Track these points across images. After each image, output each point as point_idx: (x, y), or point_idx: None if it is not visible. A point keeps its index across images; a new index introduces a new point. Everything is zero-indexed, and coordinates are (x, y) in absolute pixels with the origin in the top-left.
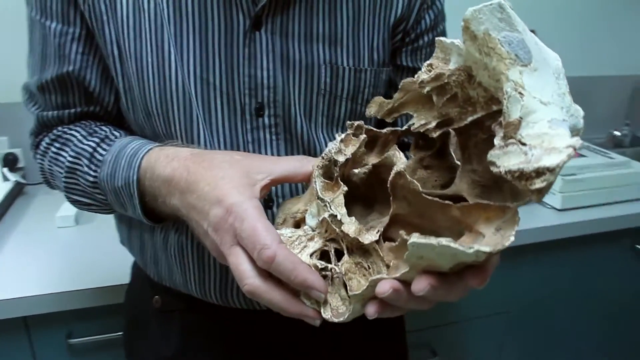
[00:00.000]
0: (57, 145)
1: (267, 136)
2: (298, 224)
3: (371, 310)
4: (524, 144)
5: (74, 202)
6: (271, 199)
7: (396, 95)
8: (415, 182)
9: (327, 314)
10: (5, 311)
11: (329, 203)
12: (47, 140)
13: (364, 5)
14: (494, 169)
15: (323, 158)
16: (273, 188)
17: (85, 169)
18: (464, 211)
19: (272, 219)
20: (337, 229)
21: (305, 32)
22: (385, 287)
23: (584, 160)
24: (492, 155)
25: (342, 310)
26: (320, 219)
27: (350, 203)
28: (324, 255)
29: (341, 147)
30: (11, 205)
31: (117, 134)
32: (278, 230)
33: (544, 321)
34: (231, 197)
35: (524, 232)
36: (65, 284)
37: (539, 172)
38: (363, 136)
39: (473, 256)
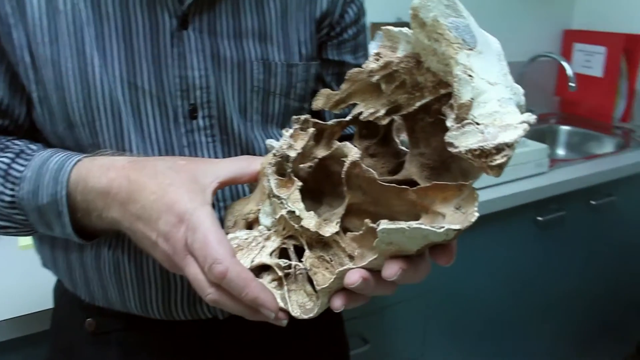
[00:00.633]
0: None
1: (203, 139)
2: (250, 225)
3: (338, 303)
4: (478, 124)
5: None
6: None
7: (343, 86)
8: (371, 170)
9: (295, 312)
10: None
11: (285, 200)
12: None
13: (290, 0)
14: (452, 150)
15: (275, 155)
16: None
17: (0, 187)
18: (420, 194)
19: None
20: (296, 225)
21: (234, 29)
22: (354, 278)
23: None
24: (449, 136)
25: (309, 306)
26: (278, 216)
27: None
28: (282, 253)
29: (291, 142)
30: None
31: (34, 147)
32: (231, 234)
33: (461, 298)
34: (182, 205)
35: None
36: None
37: (499, 149)
38: (312, 129)
39: (443, 235)
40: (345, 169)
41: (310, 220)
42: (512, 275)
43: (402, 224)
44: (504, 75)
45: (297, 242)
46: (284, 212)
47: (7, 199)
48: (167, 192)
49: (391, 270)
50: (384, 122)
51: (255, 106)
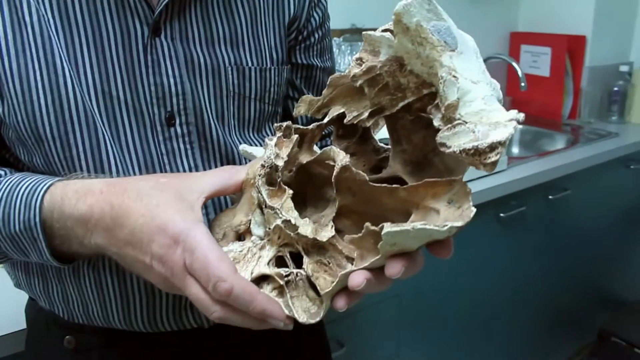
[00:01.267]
0: None
1: (181, 146)
2: (241, 236)
3: (341, 303)
4: (466, 122)
5: None
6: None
7: (325, 92)
8: (362, 172)
9: (302, 317)
10: None
11: (279, 210)
12: None
13: (259, 5)
14: (445, 150)
15: (264, 166)
16: None
17: None
18: (411, 191)
19: None
20: (292, 233)
21: (206, 35)
22: (359, 280)
23: None
24: (441, 137)
25: (314, 310)
26: (272, 226)
27: None
28: (278, 261)
29: (277, 151)
30: None
31: (1, 172)
32: (224, 248)
33: (432, 297)
34: (175, 225)
35: None
36: None
37: (493, 147)
38: (295, 136)
39: (447, 232)
40: (335, 173)
41: (306, 228)
42: (479, 272)
43: (407, 226)
44: (483, 72)
45: (292, 249)
46: (279, 221)
47: None
48: (157, 214)
49: (394, 268)
50: (369, 123)
51: (232, 111)
